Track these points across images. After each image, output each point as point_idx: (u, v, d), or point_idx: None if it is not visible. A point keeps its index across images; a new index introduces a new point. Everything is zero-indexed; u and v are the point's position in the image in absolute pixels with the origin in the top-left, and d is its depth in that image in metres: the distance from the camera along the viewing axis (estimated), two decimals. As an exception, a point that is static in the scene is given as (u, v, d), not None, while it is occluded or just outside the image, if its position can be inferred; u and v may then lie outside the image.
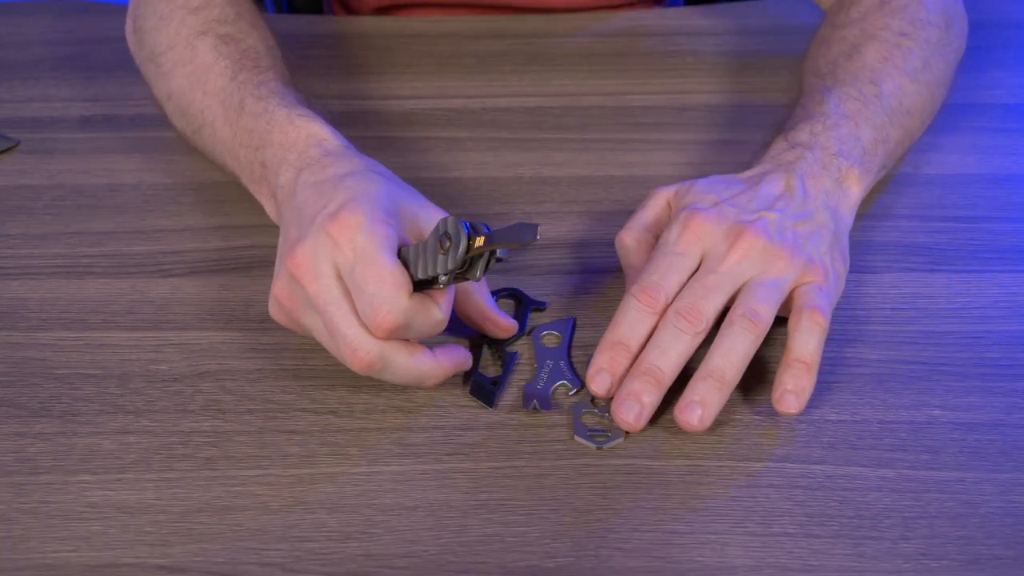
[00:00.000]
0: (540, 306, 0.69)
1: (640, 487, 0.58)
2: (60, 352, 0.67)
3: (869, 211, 0.76)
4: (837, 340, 0.66)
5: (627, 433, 0.61)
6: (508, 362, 0.65)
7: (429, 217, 0.62)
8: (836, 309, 0.68)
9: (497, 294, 0.70)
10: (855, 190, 0.69)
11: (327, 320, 0.58)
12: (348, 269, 0.58)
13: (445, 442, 0.61)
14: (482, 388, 0.63)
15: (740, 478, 0.59)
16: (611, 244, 0.70)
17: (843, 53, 0.77)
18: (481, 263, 0.57)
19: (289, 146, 0.67)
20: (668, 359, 0.60)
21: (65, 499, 0.58)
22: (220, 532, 0.56)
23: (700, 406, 0.58)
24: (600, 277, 0.71)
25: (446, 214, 0.61)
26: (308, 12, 1.10)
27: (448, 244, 0.56)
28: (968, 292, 0.70)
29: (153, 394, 0.64)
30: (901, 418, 0.62)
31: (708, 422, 0.59)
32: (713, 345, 0.60)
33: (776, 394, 0.60)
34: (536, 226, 0.53)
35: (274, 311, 0.62)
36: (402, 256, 0.58)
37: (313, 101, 0.73)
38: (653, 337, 0.61)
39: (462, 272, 0.57)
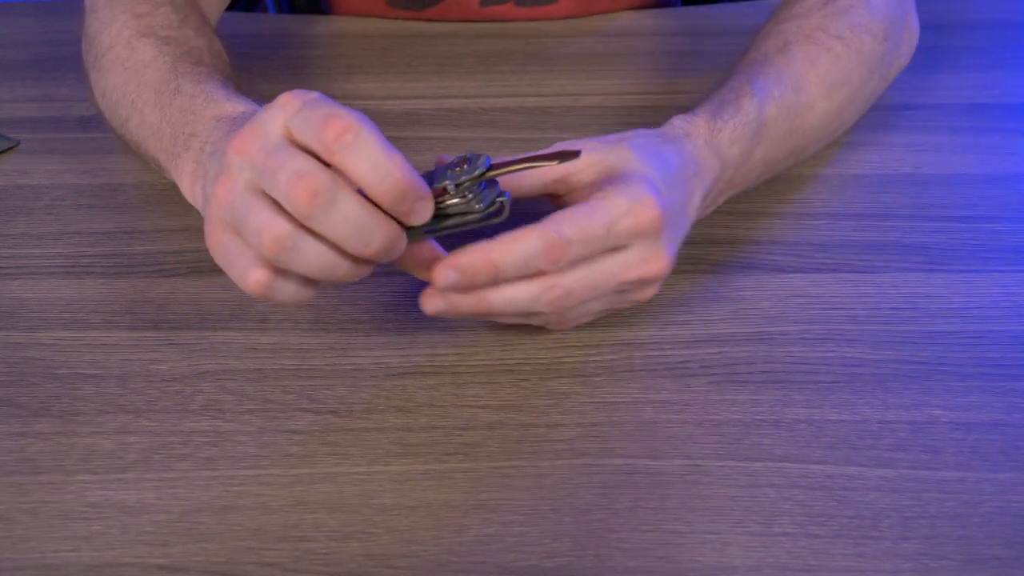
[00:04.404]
0: None
1: (640, 487, 0.58)
2: (60, 352, 0.67)
3: (869, 211, 0.76)
4: (837, 340, 0.66)
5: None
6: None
7: None
8: (835, 309, 0.68)
9: None
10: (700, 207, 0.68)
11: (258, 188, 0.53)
12: (298, 112, 0.53)
13: (445, 442, 0.61)
14: None
15: (740, 478, 0.59)
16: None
17: (776, 47, 0.77)
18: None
19: (223, 117, 0.66)
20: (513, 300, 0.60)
21: (65, 499, 0.58)
22: (220, 532, 0.56)
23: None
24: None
25: None
26: (308, 12, 1.10)
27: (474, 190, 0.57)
28: (968, 292, 0.70)
29: (153, 394, 0.64)
30: (901, 418, 0.62)
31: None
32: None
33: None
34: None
35: (212, 233, 0.56)
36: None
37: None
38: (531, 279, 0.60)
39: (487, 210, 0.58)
